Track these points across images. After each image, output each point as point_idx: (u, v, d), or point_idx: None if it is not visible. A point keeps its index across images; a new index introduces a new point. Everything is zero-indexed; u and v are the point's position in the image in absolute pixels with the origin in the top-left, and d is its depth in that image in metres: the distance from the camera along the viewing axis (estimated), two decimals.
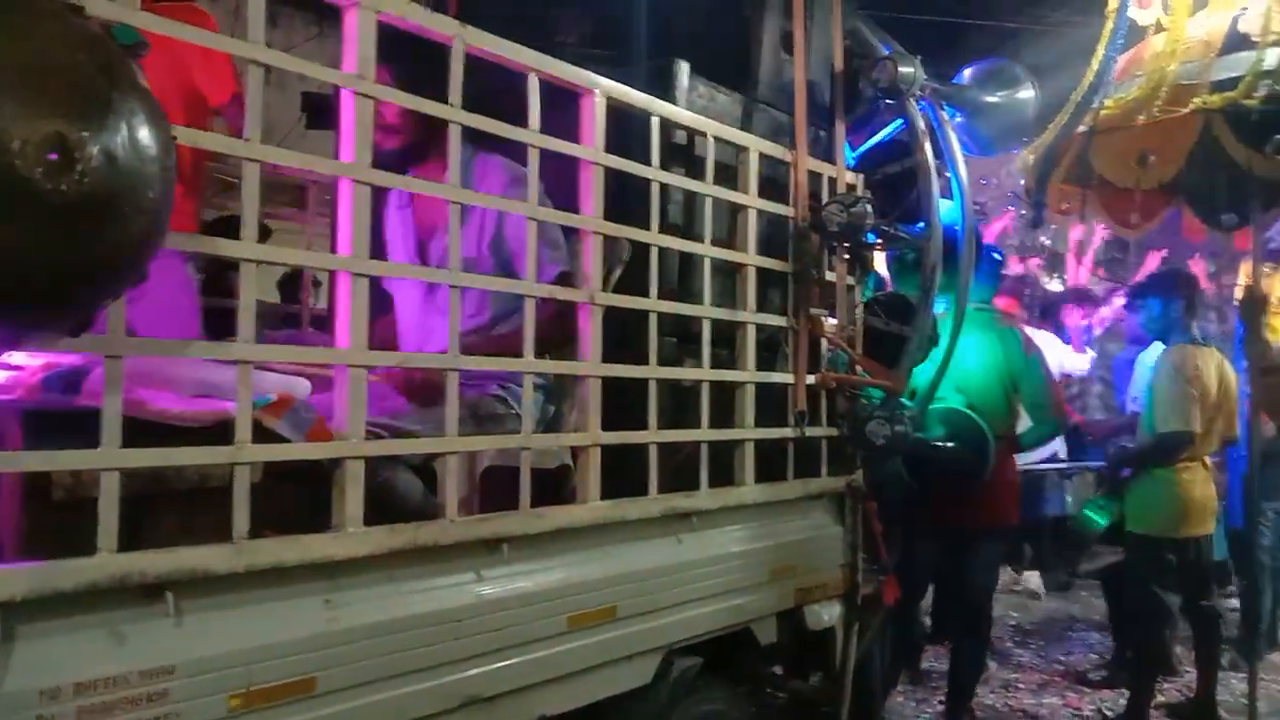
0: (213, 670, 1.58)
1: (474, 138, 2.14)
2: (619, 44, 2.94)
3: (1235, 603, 5.55)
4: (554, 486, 2.37)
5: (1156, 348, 4.33)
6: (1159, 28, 3.42)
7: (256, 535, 1.65)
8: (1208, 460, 4.23)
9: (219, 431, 1.67)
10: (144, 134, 1.33)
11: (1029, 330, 5.07)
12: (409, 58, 2.02)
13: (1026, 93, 3.53)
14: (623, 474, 2.42)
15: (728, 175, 2.80)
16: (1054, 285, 9.72)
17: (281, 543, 1.70)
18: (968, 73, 3.67)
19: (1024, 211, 3.65)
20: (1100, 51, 3.30)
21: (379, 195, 2.28)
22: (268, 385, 1.83)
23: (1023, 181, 3.57)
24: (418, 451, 2.00)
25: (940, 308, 3.41)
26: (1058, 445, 5.25)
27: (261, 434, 1.73)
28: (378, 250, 2.56)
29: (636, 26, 2.95)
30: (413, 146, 2.36)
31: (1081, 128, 3.17)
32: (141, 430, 1.57)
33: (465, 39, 1.99)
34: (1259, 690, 4.02)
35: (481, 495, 2.23)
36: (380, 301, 2.56)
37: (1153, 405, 4.11)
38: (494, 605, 2.02)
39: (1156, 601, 4.13)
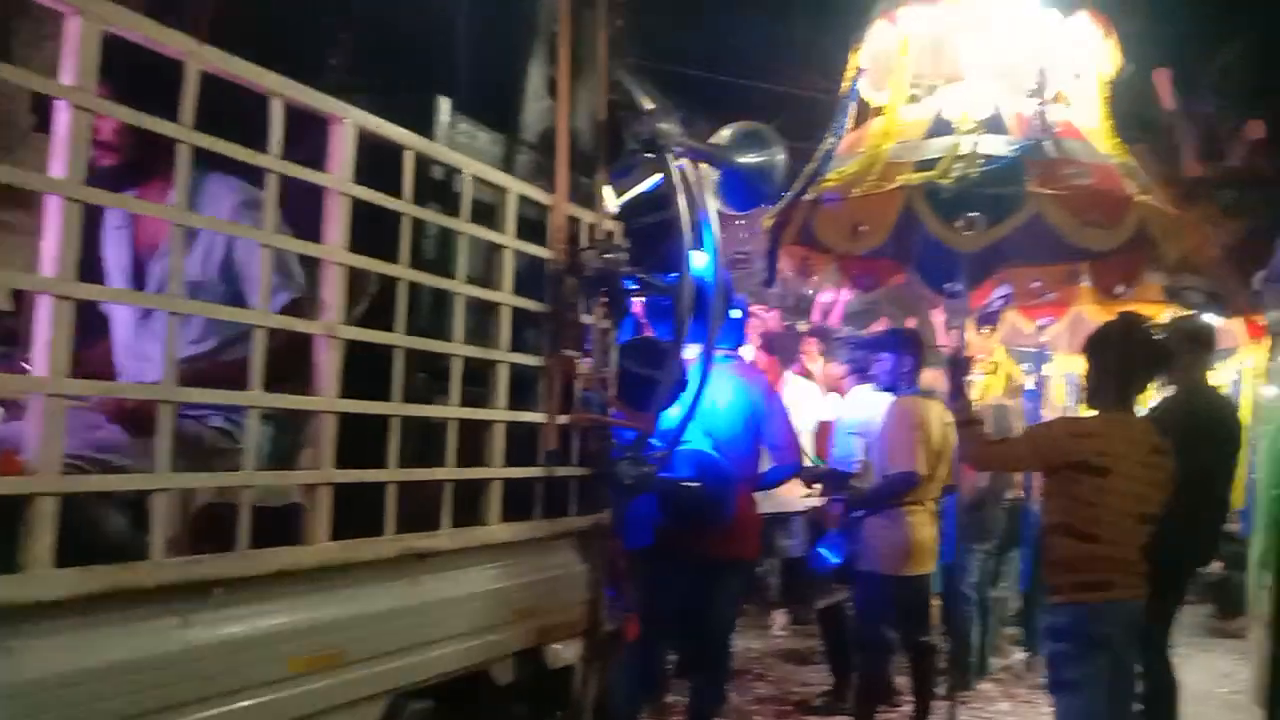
0: None
1: (210, 158, 2.05)
2: (383, 76, 2.90)
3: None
4: (283, 525, 2.28)
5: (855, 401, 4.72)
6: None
7: None
8: (931, 504, 4.60)
9: None
10: None
11: (795, 377, 5.39)
12: (137, 71, 1.91)
13: (778, 155, 3.76)
14: (363, 512, 2.36)
15: (487, 214, 2.81)
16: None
17: None
18: (726, 132, 3.88)
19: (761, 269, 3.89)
20: (832, 126, 3.59)
21: (95, 213, 2.15)
22: None
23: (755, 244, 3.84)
24: (119, 488, 1.87)
25: (691, 353, 3.56)
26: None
27: None
28: (94, 269, 2.40)
29: (403, 61, 2.93)
30: (133, 164, 2.22)
31: (809, 196, 3.42)
32: None
33: (201, 57, 1.91)
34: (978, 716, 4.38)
35: (198, 534, 2.10)
36: (96, 323, 2.39)
37: (883, 449, 4.44)
38: (203, 651, 1.91)
39: (879, 635, 4.43)
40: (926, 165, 3.25)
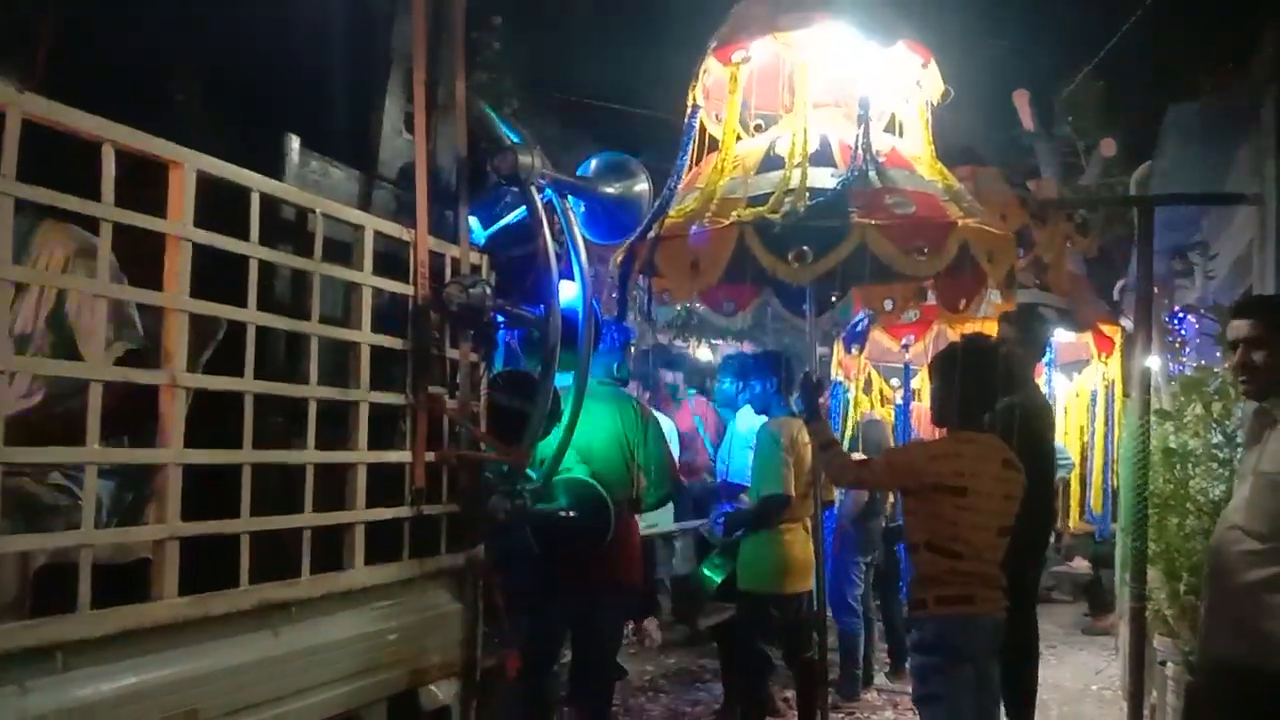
0: None
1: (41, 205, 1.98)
2: (231, 113, 2.85)
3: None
4: (132, 582, 2.20)
5: (746, 417, 4.81)
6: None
7: None
8: (808, 522, 4.70)
9: None
10: None
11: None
12: None
13: (640, 186, 3.80)
14: (215, 570, 2.29)
15: (343, 252, 2.78)
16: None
17: None
18: (593, 163, 3.91)
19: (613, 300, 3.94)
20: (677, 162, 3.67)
21: None
22: None
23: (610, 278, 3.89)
24: None
25: (564, 382, 3.58)
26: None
27: None
28: None
29: (251, 97, 2.88)
30: None
31: (653, 233, 3.50)
32: None
33: (22, 106, 1.85)
34: None
35: (37, 596, 2.02)
36: None
37: (755, 472, 4.53)
38: None
39: (761, 653, 4.50)
40: (758, 200, 3.34)
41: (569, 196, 3.66)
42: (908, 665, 5.93)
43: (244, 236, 2.35)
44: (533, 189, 3.38)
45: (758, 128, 3.90)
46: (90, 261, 2.02)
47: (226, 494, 2.32)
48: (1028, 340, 4.40)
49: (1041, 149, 10.88)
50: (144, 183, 2.14)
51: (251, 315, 2.38)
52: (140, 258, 2.22)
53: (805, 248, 3.14)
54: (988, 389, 3.41)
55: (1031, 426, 4.14)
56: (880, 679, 6.34)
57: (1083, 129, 10.88)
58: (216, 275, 2.31)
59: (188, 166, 2.20)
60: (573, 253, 3.66)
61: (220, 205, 2.34)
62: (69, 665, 1.93)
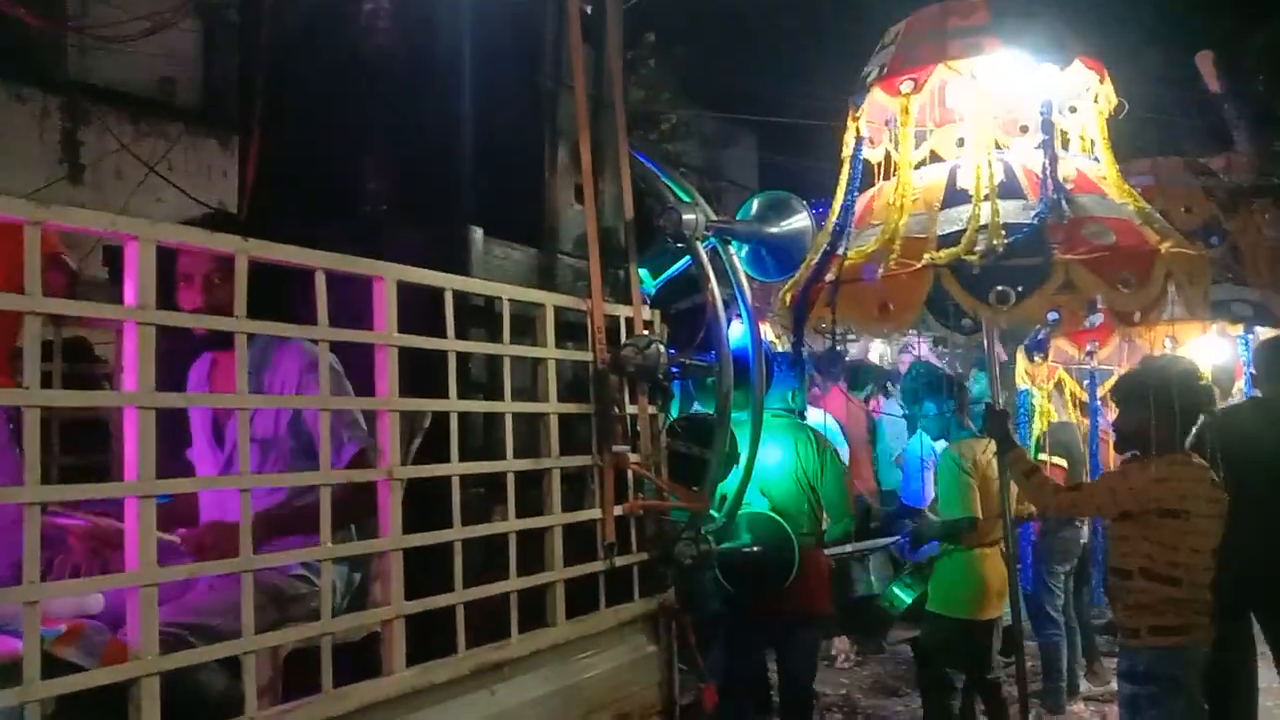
0: None
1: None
2: (418, 209, 3.09)
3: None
4: (364, 656, 2.45)
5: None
6: (886, 170, 3.77)
7: None
8: (1002, 545, 4.60)
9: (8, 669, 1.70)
10: None
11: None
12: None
13: (802, 223, 3.85)
14: (432, 631, 2.52)
15: (528, 328, 2.98)
16: None
17: None
18: (755, 203, 3.99)
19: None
20: (840, 196, 3.62)
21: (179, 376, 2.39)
22: (56, 610, 1.86)
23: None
24: (216, 656, 2.05)
25: (739, 423, 3.67)
26: None
27: (53, 662, 1.76)
28: (179, 426, 2.62)
29: (432, 189, 3.11)
30: (212, 336, 2.42)
31: (829, 276, 3.47)
32: None
33: (247, 251, 2.10)
34: None
35: (286, 680, 2.28)
36: (180, 471, 2.60)
37: (941, 497, 4.49)
38: None
39: (945, 676, 4.47)
40: (948, 240, 3.23)
41: (732, 242, 3.75)
42: (1113, 684, 5.66)
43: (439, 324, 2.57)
44: (697, 243, 3.50)
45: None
46: (319, 375, 2.27)
47: (430, 570, 2.53)
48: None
49: (1230, 112, 10.11)
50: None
51: (453, 405, 2.60)
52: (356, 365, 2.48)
53: (1005, 288, 3.05)
54: (1189, 410, 3.29)
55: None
56: (1084, 685, 6.14)
57: (1274, 87, 10.06)
58: (414, 372, 2.53)
59: (389, 279, 2.42)
60: (739, 296, 3.76)
61: (418, 302, 2.57)
62: None
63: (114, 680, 1.82)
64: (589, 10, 3.44)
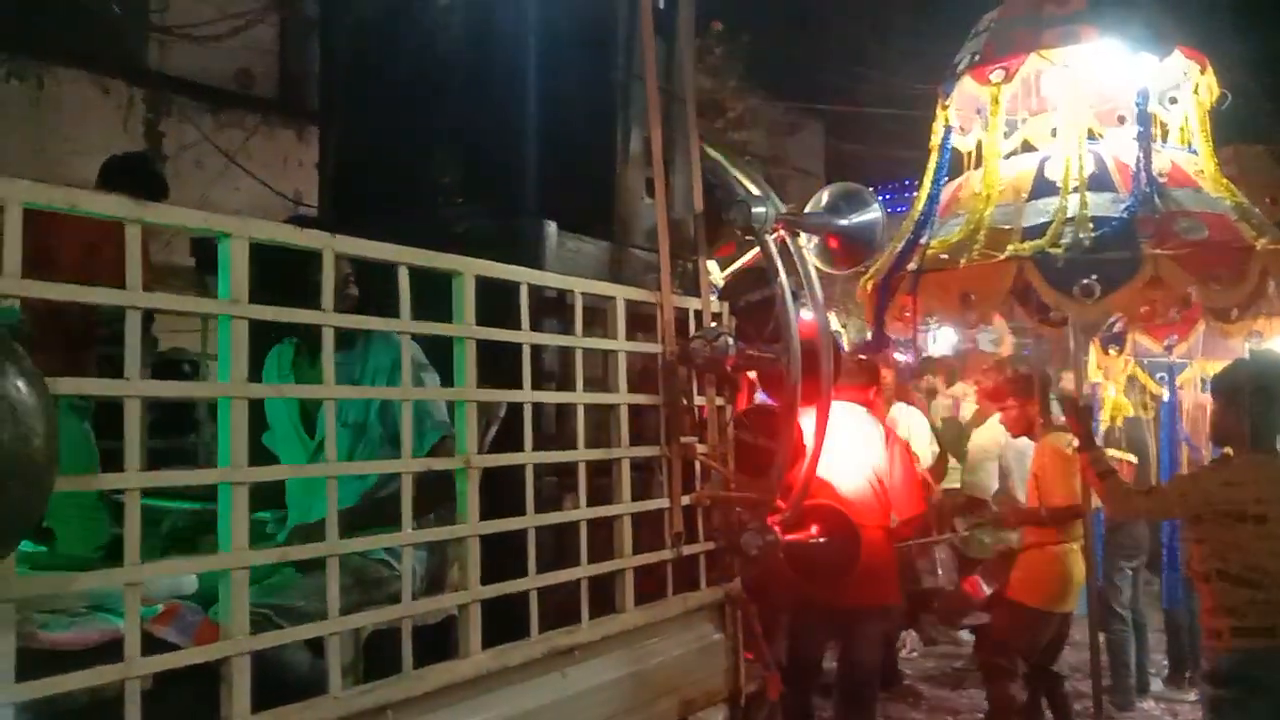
0: None
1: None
2: (491, 198, 3.15)
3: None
4: (441, 638, 2.52)
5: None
6: (976, 159, 3.72)
7: None
8: (1081, 541, 4.55)
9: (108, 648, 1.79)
10: (24, 409, 1.48)
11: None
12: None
13: (873, 214, 3.83)
14: (507, 614, 2.59)
15: (599, 319, 3.02)
16: None
17: None
18: (825, 194, 3.97)
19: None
20: (926, 185, 3.58)
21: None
22: (153, 589, 1.96)
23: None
24: (302, 637, 2.13)
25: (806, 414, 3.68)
26: None
27: (149, 640, 1.85)
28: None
29: (508, 180, 3.17)
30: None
31: (911, 265, 3.43)
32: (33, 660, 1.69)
33: (334, 247, 2.17)
34: None
35: (367, 660, 2.36)
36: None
37: (1043, 486, 4.47)
38: None
39: (1012, 662, 4.45)
40: (1034, 231, 3.18)
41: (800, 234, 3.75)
42: (1197, 695, 5.53)
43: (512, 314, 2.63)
44: (766, 237, 3.50)
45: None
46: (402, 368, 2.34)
47: (504, 553, 2.59)
48: None
49: None
50: None
51: (527, 395, 2.65)
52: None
53: (1090, 280, 2.99)
54: (1275, 411, 3.22)
55: None
56: (1157, 685, 6.03)
57: None
58: (490, 363, 2.58)
59: (467, 274, 2.48)
60: (809, 288, 3.76)
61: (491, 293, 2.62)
62: None
63: (207, 659, 1.91)
64: (661, 3, 3.46)
